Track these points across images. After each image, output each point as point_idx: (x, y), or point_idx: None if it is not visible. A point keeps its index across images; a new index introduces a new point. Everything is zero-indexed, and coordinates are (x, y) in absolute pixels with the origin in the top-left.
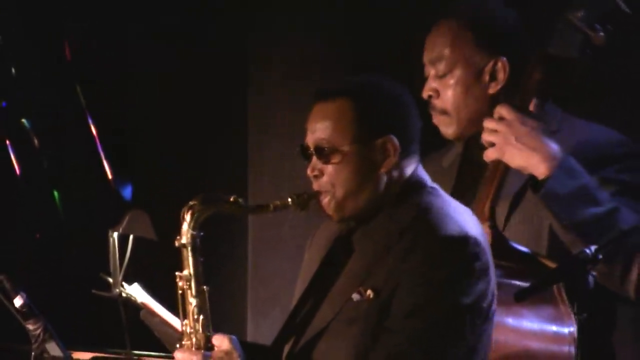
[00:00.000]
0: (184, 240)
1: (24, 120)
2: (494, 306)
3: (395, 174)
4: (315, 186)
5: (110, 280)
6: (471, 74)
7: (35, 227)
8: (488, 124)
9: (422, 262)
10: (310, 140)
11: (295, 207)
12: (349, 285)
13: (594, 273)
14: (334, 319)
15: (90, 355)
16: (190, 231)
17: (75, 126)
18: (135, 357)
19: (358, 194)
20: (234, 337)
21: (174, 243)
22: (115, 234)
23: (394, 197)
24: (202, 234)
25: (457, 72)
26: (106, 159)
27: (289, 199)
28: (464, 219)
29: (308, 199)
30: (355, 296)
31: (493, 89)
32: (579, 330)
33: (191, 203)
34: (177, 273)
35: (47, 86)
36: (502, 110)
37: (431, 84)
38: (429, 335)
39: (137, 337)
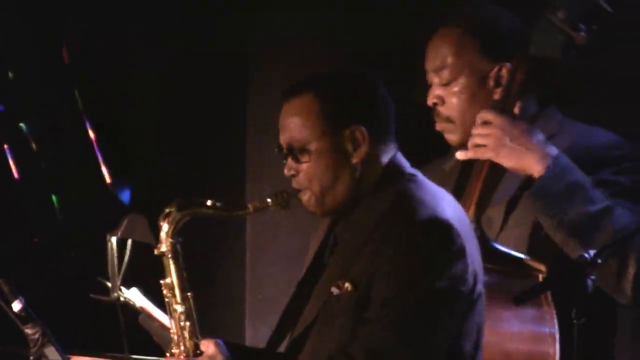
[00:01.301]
0: (163, 248)
1: (22, 124)
2: (479, 289)
3: (370, 162)
4: (294, 184)
5: (109, 284)
6: (476, 81)
7: (33, 231)
8: (478, 130)
9: (395, 250)
10: (282, 140)
11: (276, 207)
12: (332, 280)
13: (593, 277)
14: (319, 315)
15: (88, 359)
16: (169, 239)
17: (73, 129)
18: None
19: (335, 187)
20: (219, 340)
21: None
22: (114, 238)
23: (372, 185)
24: (181, 240)
25: (462, 80)
26: (104, 161)
27: (268, 199)
28: (439, 204)
29: (288, 197)
30: (335, 290)
31: (498, 95)
32: (577, 334)
33: (167, 210)
34: (161, 281)
35: (46, 88)
36: (487, 116)
37: (435, 92)
38: (405, 323)
39: (135, 342)
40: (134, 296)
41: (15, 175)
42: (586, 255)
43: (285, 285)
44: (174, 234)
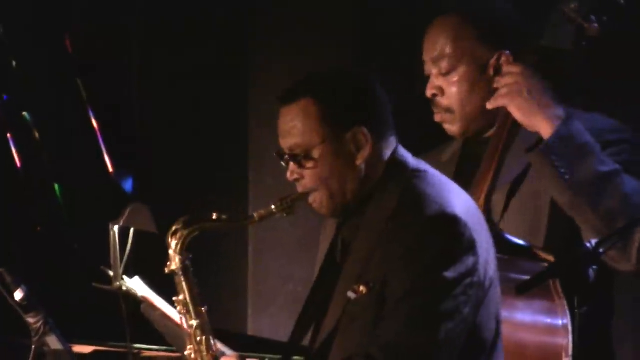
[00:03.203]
0: (173, 266)
1: (24, 113)
2: (491, 278)
3: (373, 160)
4: (299, 188)
5: (111, 273)
6: (475, 70)
7: (36, 220)
8: (503, 80)
9: (405, 248)
10: (283, 145)
11: (281, 213)
12: (348, 284)
13: (595, 267)
14: (340, 320)
15: (90, 348)
16: (178, 256)
17: (76, 119)
18: (135, 351)
19: (342, 189)
20: (239, 354)
21: (165, 270)
22: (116, 227)
23: (377, 184)
24: (190, 256)
25: (462, 69)
26: (107, 152)
27: (273, 207)
28: (446, 198)
29: (292, 203)
30: (351, 294)
31: (498, 83)
32: (579, 323)
33: (174, 228)
34: (173, 298)
35: (48, 79)
36: (512, 67)
37: (434, 82)
38: (419, 316)
39: (137, 331)
40: (136, 285)
41: (18, 164)
42: (588, 244)
43: (287, 277)
44: (182, 251)
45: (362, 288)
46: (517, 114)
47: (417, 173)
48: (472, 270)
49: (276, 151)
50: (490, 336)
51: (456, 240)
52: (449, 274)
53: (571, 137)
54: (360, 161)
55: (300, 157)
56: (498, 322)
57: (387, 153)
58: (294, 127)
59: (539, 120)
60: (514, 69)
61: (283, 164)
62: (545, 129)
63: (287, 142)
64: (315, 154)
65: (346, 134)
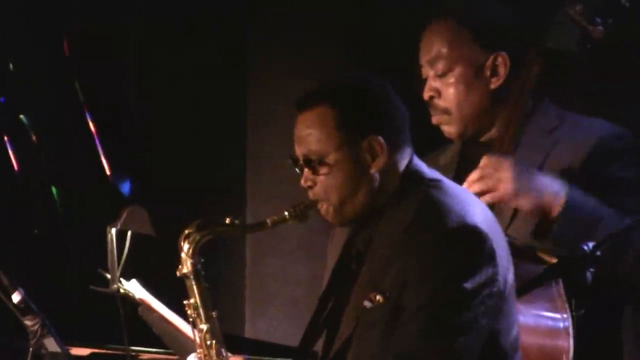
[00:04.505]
0: (185, 270)
1: (22, 116)
2: (509, 288)
3: (388, 170)
4: (311, 195)
5: (109, 276)
6: (472, 71)
7: (33, 223)
8: (486, 171)
9: (425, 259)
10: (298, 152)
11: (294, 220)
12: (363, 293)
13: (592, 269)
14: (355, 329)
15: (88, 351)
16: (190, 260)
17: (73, 120)
18: (133, 353)
19: (354, 198)
20: (247, 356)
21: (176, 272)
22: (114, 230)
23: (393, 194)
24: (202, 260)
25: (458, 70)
26: (105, 154)
27: (286, 213)
28: (464, 208)
29: (305, 209)
30: (367, 303)
31: (494, 84)
32: (577, 326)
33: (187, 231)
34: (184, 302)
35: (46, 81)
36: (492, 160)
37: (431, 84)
38: (435, 327)
39: (135, 333)
40: (134, 288)
41: (15, 167)
42: (585, 247)
43: (284, 281)
44: (195, 254)
45: (378, 297)
46: (524, 207)
47: (433, 183)
48: (492, 281)
49: (289, 156)
50: (510, 344)
51: (476, 251)
52: (468, 285)
53: (577, 217)
54: (374, 170)
55: (315, 163)
56: (517, 331)
57: (403, 163)
58: (310, 134)
59: (544, 208)
60: (499, 163)
61: (297, 170)
62: (553, 212)
63: (302, 149)
64: (330, 160)
65: (362, 142)
